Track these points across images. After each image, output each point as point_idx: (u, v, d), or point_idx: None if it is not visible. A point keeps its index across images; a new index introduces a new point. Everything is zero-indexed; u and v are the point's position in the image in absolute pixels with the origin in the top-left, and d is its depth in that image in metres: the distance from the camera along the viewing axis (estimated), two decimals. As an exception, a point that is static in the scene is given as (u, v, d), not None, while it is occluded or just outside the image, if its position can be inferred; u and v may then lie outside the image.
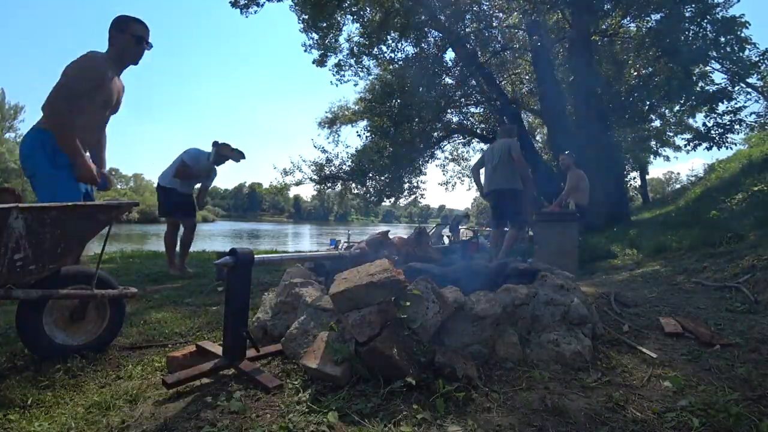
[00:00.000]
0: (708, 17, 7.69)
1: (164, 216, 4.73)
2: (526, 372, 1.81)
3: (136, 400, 1.65)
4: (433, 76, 12.31)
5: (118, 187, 62.41)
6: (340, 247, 12.33)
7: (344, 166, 14.78)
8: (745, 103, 10.30)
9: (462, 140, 16.53)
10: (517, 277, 2.64)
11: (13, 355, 2.12)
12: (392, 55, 13.19)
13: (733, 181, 8.60)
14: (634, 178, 20.98)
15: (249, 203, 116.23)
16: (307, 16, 12.30)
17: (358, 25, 12.92)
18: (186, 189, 4.78)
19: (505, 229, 5.41)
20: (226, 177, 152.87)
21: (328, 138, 16.41)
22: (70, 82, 2.23)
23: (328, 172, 14.80)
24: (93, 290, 2.11)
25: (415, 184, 15.06)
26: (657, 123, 12.76)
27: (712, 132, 8.74)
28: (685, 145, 9.43)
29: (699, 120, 10.08)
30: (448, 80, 13.52)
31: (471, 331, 1.95)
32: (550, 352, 1.96)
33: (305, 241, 32.09)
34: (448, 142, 16.36)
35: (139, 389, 1.74)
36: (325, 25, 12.44)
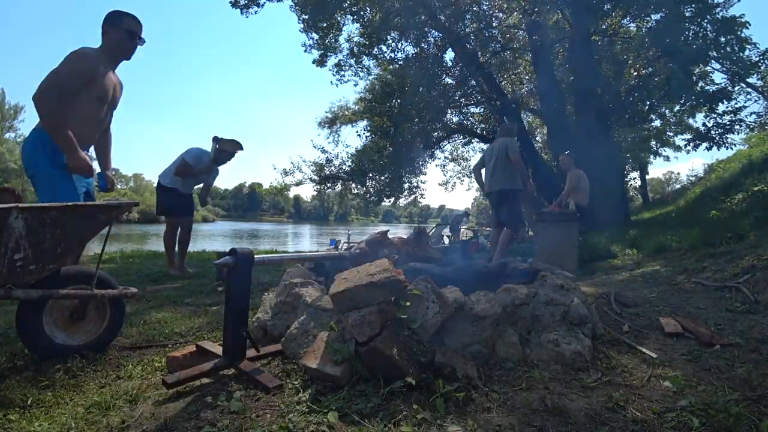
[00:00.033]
0: (708, 17, 7.69)
1: (162, 215, 4.73)
2: (526, 372, 1.81)
3: (136, 400, 1.66)
4: (433, 76, 12.29)
5: (119, 187, 62.41)
6: (340, 247, 12.34)
7: (344, 166, 14.79)
8: (745, 103, 10.29)
9: (462, 140, 16.54)
10: (517, 277, 2.64)
11: (13, 355, 2.12)
12: (392, 55, 13.19)
13: (733, 181, 8.58)
14: (634, 178, 20.94)
15: (249, 203, 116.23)
16: (307, 16, 12.30)
17: (358, 25, 12.93)
18: (186, 189, 4.77)
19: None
20: (226, 177, 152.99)
21: (328, 138, 16.44)
22: (61, 78, 2.23)
23: (328, 173, 14.80)
24: (93, 290, 2.11)
25: (415, 184, 15.06)
26: (657, 123, 12.74)
27: (712, 132, 8.73)
28: (685, 145, 9.41)
29: (699, 120, 10.07)
30: (448, 80, 13.52)
31: (471, 331, 1.95)
32: (550, 352, 1.95)
33: (305, 241, 32.09)
34: (448, 142, 16.36)
35: (139, 389, 1.74)
36: (325, 25, 12.44)
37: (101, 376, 1.94)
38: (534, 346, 1.99)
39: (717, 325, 2.47)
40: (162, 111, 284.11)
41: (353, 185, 15.05)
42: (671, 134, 14.89)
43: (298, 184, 14.88)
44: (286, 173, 14.82)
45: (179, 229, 4.74)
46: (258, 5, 11.86)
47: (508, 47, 13.06)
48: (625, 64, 10.25)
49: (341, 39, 13.43)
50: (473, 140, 16.12)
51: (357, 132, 15.29)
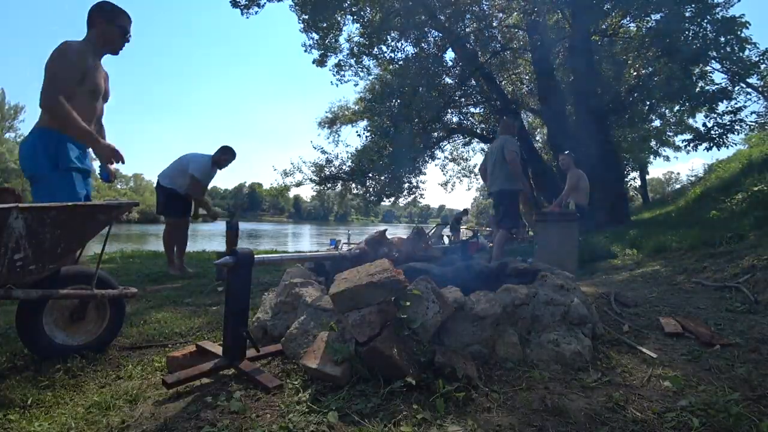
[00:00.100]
0: (708, 17, 7.69)
1: (162, 214, 4.75)
2: (526, 372, 1.81)
3: (136, 400, 1.65)
4: (433, 76, 12.31)
5: (118, 187, 62.47)
6: (340, 247, 12.35)
7: (344, 167, 14.80)
8: (745, 103, 10.28)
9: (462, 140, 16.55)
10: (517, 277, 2.64)
11: (13, 355, 2.11)
12: (392, 55, 13.21)
13: (733, 181, 8.58)
14: (634, 178, 20.97)
15: (249, 203, 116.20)
16: (307, 16, 12.31)
17: (358, 25, 12.94)
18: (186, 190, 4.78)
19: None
20: (226, 177, 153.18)
21: (328, 138, 16.49)
22: (56, 73, 2.23)
23: (328, 173, 14.82)
24: (93, 290, 2.11)
25: (415, 184, 15.08)
26: (657, 123, 12.75)
27: (712, 132, 8.72)
28: (685, 145, 9.41)
29: (699, 120, 10.07)
30: (448, 80, 13.53)
31: (471, 331, 1.95)
32: (550, 352, 1.95)
33: (305, 241, 32.08)
34: (448, 142, 16.39)
35: (139, 389, 1.74)
36: (325, 25, 12.45)
37: (101, 376, 1.94)
38: (534, 346, 1.99)
39: (717, 325, 2.47)
40: (162, 111, 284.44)
41: (353, 185, 15.07)
42: (671, 134, 14.89)
43: (298, 185, 14.91)
44: (286, 174, 14.86)
45: (179, 229, 4.76)
46: (258, 5, 11.88)
47: (508, 47, 13.06)
48: (625, 64, 10.26)
49: (341, 39, 13.47)
50: (473, 140, 16.14)
51: (357, 132, 15.37)
